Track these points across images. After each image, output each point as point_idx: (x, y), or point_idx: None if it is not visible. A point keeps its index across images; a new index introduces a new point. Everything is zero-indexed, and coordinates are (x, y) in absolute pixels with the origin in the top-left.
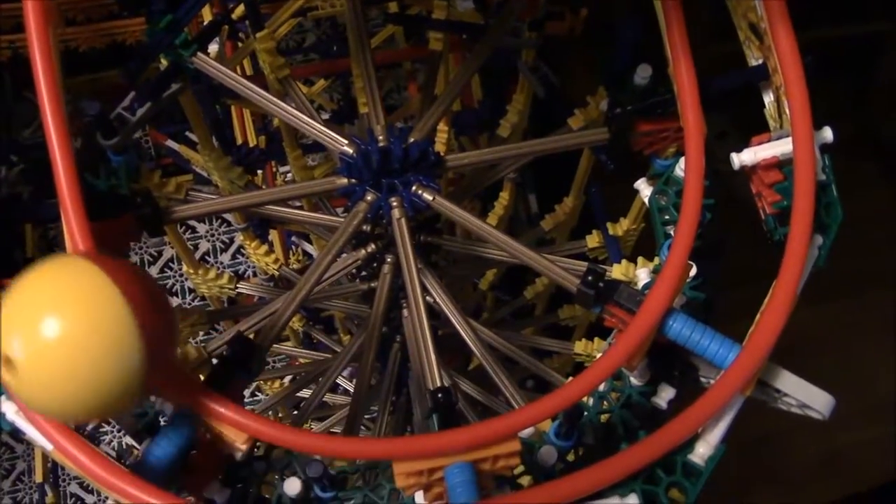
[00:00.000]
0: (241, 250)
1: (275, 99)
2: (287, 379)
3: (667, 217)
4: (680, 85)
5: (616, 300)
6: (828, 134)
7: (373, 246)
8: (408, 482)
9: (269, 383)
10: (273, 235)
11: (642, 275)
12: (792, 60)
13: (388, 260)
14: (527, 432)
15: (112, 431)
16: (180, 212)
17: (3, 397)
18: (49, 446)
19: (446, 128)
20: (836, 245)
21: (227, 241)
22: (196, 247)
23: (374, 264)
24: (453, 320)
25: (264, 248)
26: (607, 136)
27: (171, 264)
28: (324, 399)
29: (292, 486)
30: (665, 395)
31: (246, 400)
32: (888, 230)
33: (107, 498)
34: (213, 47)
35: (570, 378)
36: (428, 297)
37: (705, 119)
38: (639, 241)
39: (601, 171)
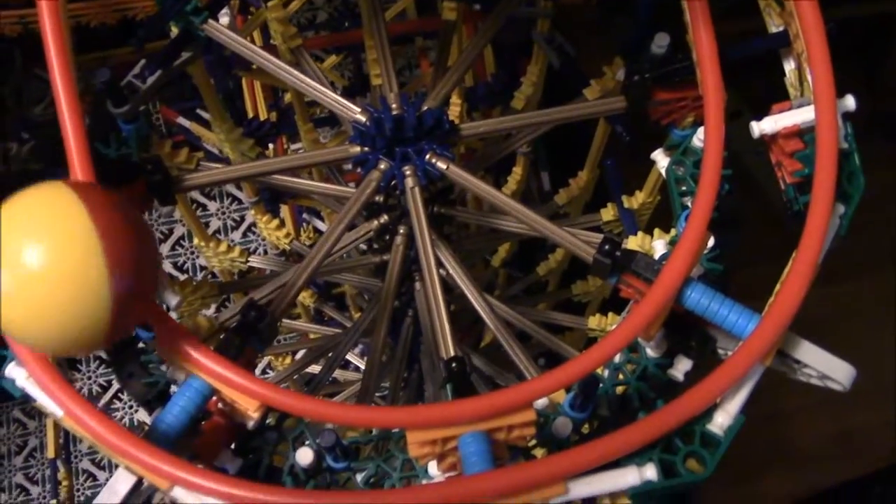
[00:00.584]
0: (252, 228)
1: (287, 67)
2: (298, 355)
3: (684, 188)
4: (700, 51)
5: (633, 269)
6: (850, 102)
7: (385, 217)
8: (421, 451)
9: (279, 359)
10: (284, 211)
11: (658, 246)
12: (814, 24)
13: (401, 231)
14: (541, 403)
15: (123, 408)
16: (191, 180)
17: (13, 364)
18: (59, 412)
19: (459, 101)
20: None
21: (238, 218)
22: (207, 224)
23: (387, 236)
24: (467, 293)
25: (275, 222)
26: (624, 105)
27: (182, 241)
28: (335, 376)
29: (305, 455)
30: (682, 367)
31: (256, 375)
32: None
33: None
34: (224, 19)
35: (590, 318)
36: (441, 271)
37: None
38: (653, 215)
39: (615, 147)
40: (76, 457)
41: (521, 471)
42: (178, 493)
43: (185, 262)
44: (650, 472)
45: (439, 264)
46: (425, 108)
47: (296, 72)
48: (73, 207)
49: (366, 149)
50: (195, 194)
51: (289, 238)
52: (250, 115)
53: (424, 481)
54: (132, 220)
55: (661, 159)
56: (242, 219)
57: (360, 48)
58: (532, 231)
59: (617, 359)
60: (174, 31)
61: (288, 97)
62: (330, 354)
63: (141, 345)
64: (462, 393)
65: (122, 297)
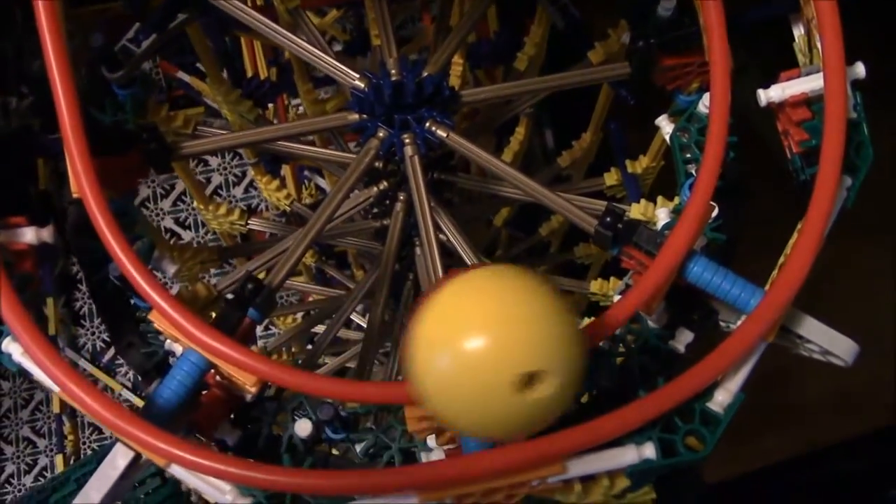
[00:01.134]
0: (254, 184)
1: (284, 31)
2: (301, 315)
3: (688, 155)
4: (707, 16)
5: (635, 242)
6: (860, 69)
7: (385, 183)
8: (419, 426)
9: (282, 319)
10: (285, 170)
11: (662, 214)
12: None
13: (401, 198)
14: None
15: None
16: (188, 148)
17: (9, 338)
18: (56, 388)
19: (461, 61)
20: None
21: (239, 174)
22: (209, 180)
23: (387, 202)
24: (466, 259)
25: (276, 183)
26: (629, 71)
27: (183, 197)
28: (338, 335)
29: (303, 427)
30: (683, 339)
31: (259, 334)
32: None
33: None
34: None
35: (586, 320)
36: (441, 235)
37: None
38: (658, 181)
39: (620, 108)
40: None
41: (519, 450)
42: (176, 469)
43: (186, 218)
44: (649, 450)
45: (438, 230)
46: (425, 74)
47: (292, 36)
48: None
49: (364, 116)
50: (201, 128)
51: (289, 199)
52: (249, 73)
53: (423, 453)
54: None
55: (665, 125)
56: (244, 174)
57: (362, 3)
58: (533, 199)
59: (618, 329)
60: None
61: (288, 53)
62: (333, 316)
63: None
64: None
65: None
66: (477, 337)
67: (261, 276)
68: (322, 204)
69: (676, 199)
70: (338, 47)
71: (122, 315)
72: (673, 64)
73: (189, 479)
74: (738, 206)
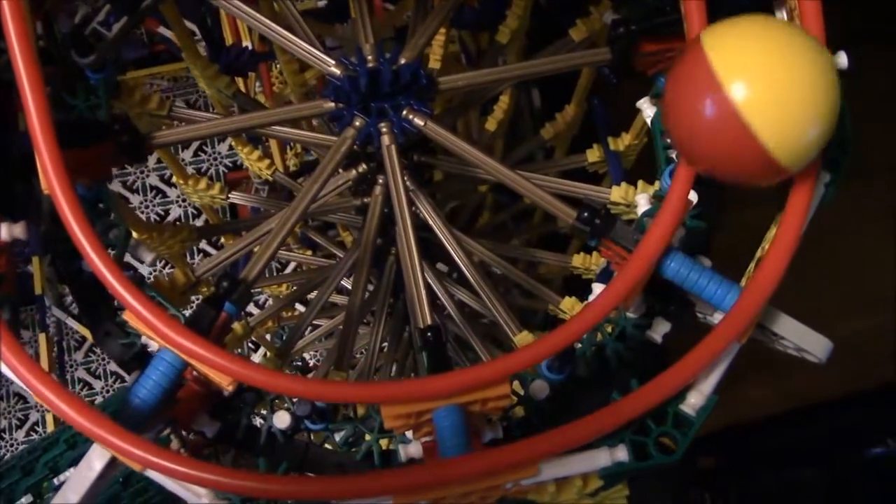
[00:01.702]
0: (203, 148)
1: (257, 15)
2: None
3: (669, 140)
4: (688, 4)
5: (612, 238)
6: (843, 59)
7: (364, 166)
8: (396, 423)
9: (270, 287)
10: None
11: (642, 200)
12: None
13: (380, 181)
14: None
15: None
16: (160, 138)
17: None
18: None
19: (443, 38)
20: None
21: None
22: None
23: (365, 186)
24: (446, 243)
25: (257, 153)
26: (609, 57)
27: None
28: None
29: (282, 419)
30: (660, 329)
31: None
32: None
33: (115, 382)
34: None
35: (566, 299)
36: (416, 211)
37: None
38: (642, 155)
39: (604, 84)
40: (72, 366)
41: (494, 455)
42: (153, 473)
43: (208, 168)
44: (621, 453)
45: (417, 212)
46: (402, 60)
47: (266, 20)
48: None
49: (340, 105)
50: (179, 105)
51: (271, 169)
52: (229, 42)
53: (401, 445)
54: None
55: (647, 108)
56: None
57: None
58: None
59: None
60: None
61: None
62: (315, 293)
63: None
64: (437, 362)
65: None
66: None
67: (235, 276)
68: (299, 195)
69: (657, 184)
70: (321, 2)
71: (99, 305)
72: (654, 49)
73: (165, 482)
74: (717, 191)
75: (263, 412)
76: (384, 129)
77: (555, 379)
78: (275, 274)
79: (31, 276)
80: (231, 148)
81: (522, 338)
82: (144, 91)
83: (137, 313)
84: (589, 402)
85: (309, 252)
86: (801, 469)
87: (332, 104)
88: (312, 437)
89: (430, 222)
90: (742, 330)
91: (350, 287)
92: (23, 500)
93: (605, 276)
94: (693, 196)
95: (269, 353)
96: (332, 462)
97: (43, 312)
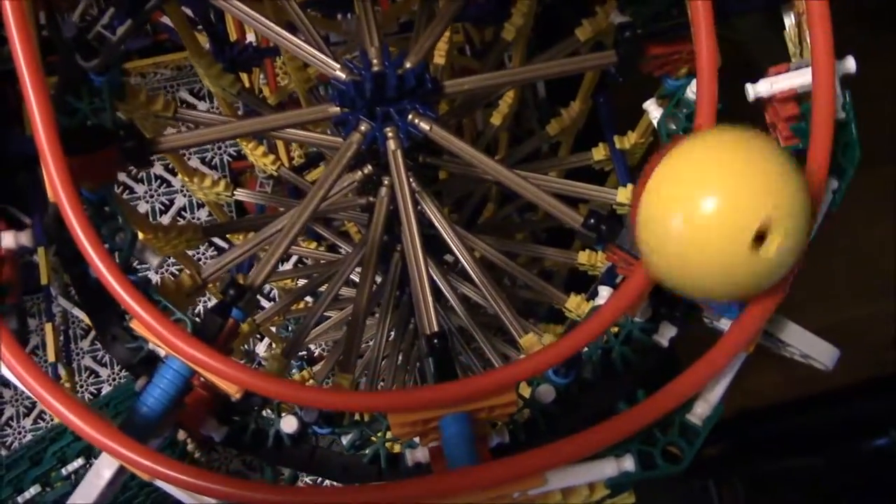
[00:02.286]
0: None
1: (261, 18)
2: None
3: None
4: (694, 7)
5: (618, 244)
6: (850, 64)
7: (369, 167)
8: (403, 431)
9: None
10: None
11: None
12: None
13: (386, 182)
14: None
15: None
16: (165, 143)
17: None
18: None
19: (447, 33)
20: None
21: None
22: (198, 125)
23: (371, 185)
24: (451, 244)
25: (262, 148)
26: (615, 61)
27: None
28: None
29: (289, 423)
30: (667, 333)
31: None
32: None
33: (121, 370)
34: None
35: (572, 297)
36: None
37: None
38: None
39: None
40: (78, 354)
41: (501, 467)
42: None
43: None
44: (628, 463)
45: (423, 215)
46: (408, 64)
47: (270, 23)
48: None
49: (345, 109)
50: (183, 94)
51: (276, 164)
52: (234, 35)
53: (408, 449)
54: None
55: (653, 110)
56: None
57: None
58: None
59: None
60: None
61: None
62: (323, 289)
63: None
64: (443, 369)
65: None
66: (712, 195)
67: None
68: (303, 201)
69: None
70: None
71: (105, 308)
72: (661, 53)
73: (173, 490)
74: None
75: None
76: (390, 134)
77: (561, 383)
78: (279, 267)
79: (37, 266)
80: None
81: (528, 340)
82: (149, 93)
83: (145, 323)
84: (595, 404)
85: (314, 244)
86: (805, 458)
87: (338, 108)
88: (319, 440)
89: (436, 223)
90: (749, 340)
91: (356, 279)
92: (31, 489)
93: (610, 276)
94: None
95: (274, 344)
96: (339, 465)
97: (49, 302)
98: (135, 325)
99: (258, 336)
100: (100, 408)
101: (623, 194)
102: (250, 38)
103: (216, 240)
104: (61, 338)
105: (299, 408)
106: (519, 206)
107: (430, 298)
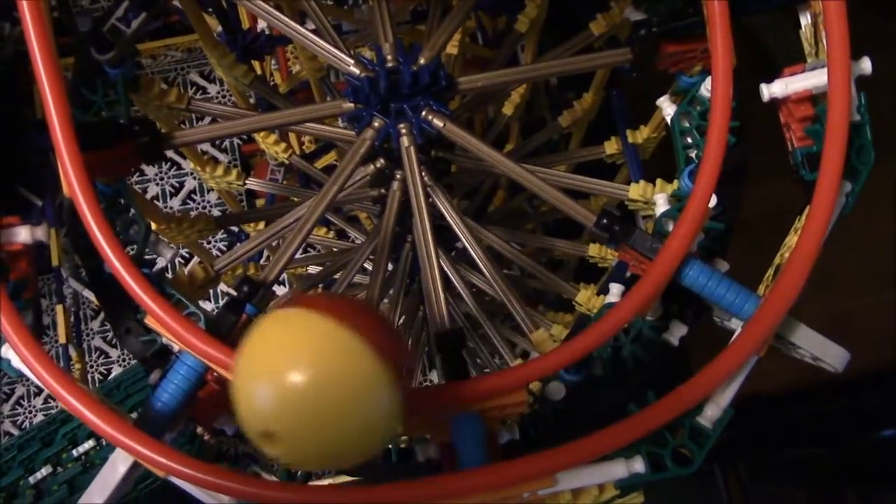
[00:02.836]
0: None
1: (275, 12)
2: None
3: (689, 140)
4: (710, 6)
5: (631, 245)
6: (866, 65)
7: (382, 161)
8: (418, 433)
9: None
10: None
11: (660, 200)
12: None
13: (398, 176)
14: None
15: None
16: (180, 138)
17: (5, 346)
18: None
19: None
20: None
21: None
22: None
23: (384, 179)
24: (463, 239)
25: (273, 136)
26: (630, 58)
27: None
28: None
29: None
30: (677, 332)
31: None
32: None
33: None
34: None
35: (589, 286)
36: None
37: None
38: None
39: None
40: (88, 335)
41: (512, 468)
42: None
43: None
44: (638, 465)
45: (434, 208)
46: (422, 60)
47: (285, 18)
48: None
49: (359, 105)
50: (194, 77)
51: (288, 152)
52: (246, 26)
53: (419, 446)
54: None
55: (666, 107)
56: None
57: None
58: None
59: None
60: None
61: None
62: (340, 273)
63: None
64: (455, 368)
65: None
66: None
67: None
68: (317, 196)
69: (676, 183)
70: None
71: (120, 301)
72: (675, 51)
73: (188, 486)
74: (737, 190)
75: None
76: (403, 131)
77: (571, 380)
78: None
79: (47, 247)
80: None
81: (538, 335)
82: (162, 86)
83: (159, 319)
84: (604, 401)
85: (323, 230)
86: (811, 447)
87: (352, 105)
88: None
89: (448, 217)
90: (760, 344)
91: (367, 267)
92: (42, 470)
93: (620, 270)
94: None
95: None
96: None
97: (59, 283)
98: (149, 320)
99: None
100: (110, 390)
101: (635, 190)
102: (262, 25)
103: None
104: (72, 319)
105: None
106: (529, 195)
107: (442, 298)
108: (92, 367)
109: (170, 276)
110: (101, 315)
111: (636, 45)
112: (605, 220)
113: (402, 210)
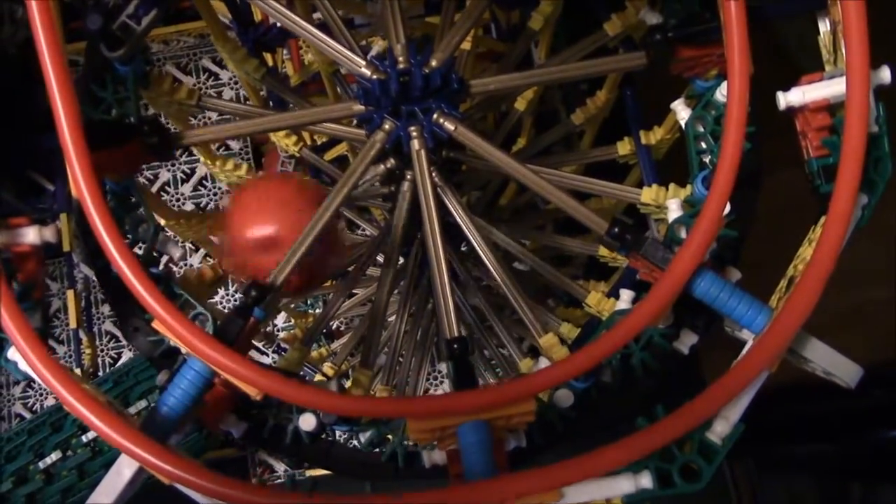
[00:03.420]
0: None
1: (286, 11)
2: None
3: (703, 145)
4: (727, 11)
5: (643, 254)
6: (885, 74)
7: (392, 161)
8: (421, 437)
9: None
10: None
11: (673, 206)
12: None
13: (408, 176)
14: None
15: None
16: (189, 138)
17: (13, 349)
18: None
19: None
20: None
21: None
22: (220, 94)
23: (394, 178)
24: (474, 243)
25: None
26: (645, 62)
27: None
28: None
29: (307, 421)
30: (687, 341)
31: None
32: None
33: None
34: None
35: (599, 283)
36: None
37: None
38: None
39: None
40: (98, 319)
41: (518, 481)
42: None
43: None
44: (646, 480)
45: (443, 209)
46: (434, 62)
47: (296, 17)
48: None
49: (370, 107)
50: (206, 63)
51: (298, 145)
52: (257, 19)
53: (425, 451)
54: None
55: (681, 110)
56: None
57: None
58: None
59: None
60: None
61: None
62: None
63: None
64: (462, 375)
65: None
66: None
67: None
68: (325, 202)
69: (689, 188)
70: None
71: (128, 299)
72: (691, 55)
73: (193, 494)
74: (752, 196)
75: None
76: (414, 134)
77: (579, 387)
78: None
79: (59, 232)
80: None
81: (547, 340)
82: (173, 83)
83: (166, 324)
84: (613, 409)
85: None
86: (821, 442)
87: (362, 107)
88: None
89: (458, 219)
90: (773, 359)
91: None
92: (52, 455)
93: (631, 273)
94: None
95: (293, 321)
96: (357, 462)
97: (70, 267)
98: (157, 325)
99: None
100: (120, 377)
101: (647, 195)
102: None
103: None
104: (82, 303)
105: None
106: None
107: (451, 304)
108: (102, 350)
109: (178, 270)
110: None
111: (651, 49)
112: (616, 229)
113: (412, 208)
